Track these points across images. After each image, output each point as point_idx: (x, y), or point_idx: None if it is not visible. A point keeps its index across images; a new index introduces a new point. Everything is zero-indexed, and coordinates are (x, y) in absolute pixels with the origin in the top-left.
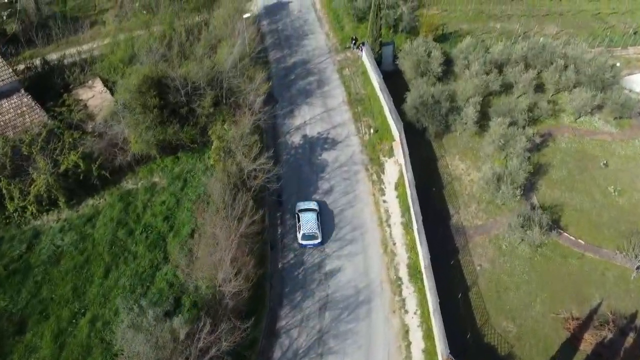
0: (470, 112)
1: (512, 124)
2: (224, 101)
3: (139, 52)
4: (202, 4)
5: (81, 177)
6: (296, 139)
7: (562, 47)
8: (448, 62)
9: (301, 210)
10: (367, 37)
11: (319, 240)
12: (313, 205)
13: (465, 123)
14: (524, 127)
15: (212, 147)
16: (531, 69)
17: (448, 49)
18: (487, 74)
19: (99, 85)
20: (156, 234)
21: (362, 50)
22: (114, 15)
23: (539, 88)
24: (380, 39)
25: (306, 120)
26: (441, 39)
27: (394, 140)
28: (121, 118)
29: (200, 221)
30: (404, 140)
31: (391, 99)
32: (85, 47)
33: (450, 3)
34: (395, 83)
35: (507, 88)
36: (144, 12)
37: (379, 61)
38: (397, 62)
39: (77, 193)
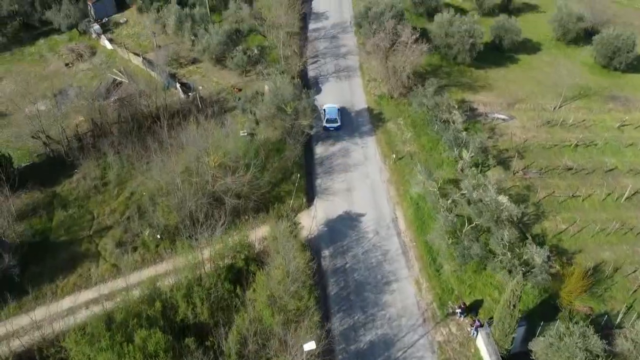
0: None
1: None
2: None
3: None
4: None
5: None
6: None
7: None
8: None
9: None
10: (493, 327)
11: (339, 124)
12: (335, 105)
13: None
14: None
15: None
16: None
17: (597, 305)
18: None
19: None
20: None
21: (475, 329)
22: (115, 242)
23: None
24: (514, 333)
25: None
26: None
27: None
28: None
29: None
30: None
31: None
32: (54, 308)
33: (578, 209)
34: None
35: None
36: (158, 236)
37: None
38: (530, 345)
39: None
